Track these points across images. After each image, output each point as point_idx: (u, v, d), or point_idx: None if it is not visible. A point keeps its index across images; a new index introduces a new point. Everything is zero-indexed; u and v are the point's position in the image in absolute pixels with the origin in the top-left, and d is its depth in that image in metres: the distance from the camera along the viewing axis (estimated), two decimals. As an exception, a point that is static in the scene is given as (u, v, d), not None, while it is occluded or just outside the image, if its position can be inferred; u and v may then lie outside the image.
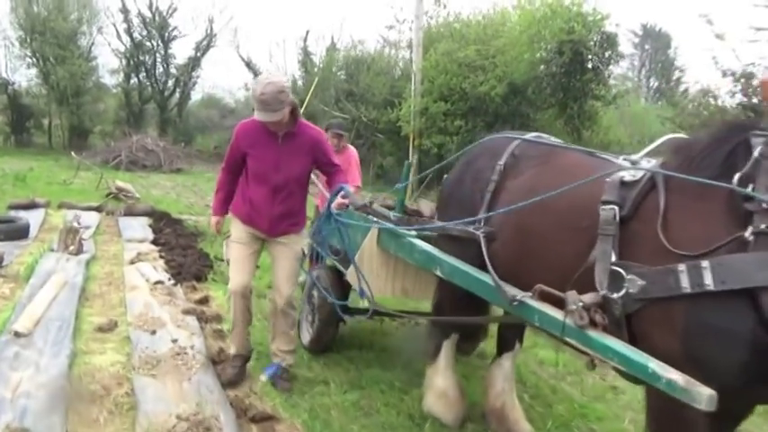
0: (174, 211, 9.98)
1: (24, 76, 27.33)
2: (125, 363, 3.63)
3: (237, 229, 3.50)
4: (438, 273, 2.91)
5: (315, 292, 4.22)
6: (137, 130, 25.44)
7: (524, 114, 16.81)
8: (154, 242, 7.52)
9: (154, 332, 4.11)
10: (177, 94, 33.10)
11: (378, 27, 50.04)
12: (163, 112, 32.45)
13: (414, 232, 3.27)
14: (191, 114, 35.10)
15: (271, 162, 3.30)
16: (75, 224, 7.99)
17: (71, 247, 6.41)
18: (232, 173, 3.49)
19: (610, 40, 13.80)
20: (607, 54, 13.97)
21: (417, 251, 3.09)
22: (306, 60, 30.12)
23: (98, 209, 9.48)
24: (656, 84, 40.12)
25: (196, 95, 35.86)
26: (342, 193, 3.38)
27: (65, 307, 4.51)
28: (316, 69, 29.12)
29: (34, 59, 26.04)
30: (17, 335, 3.87)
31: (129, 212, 9.29)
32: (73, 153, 16.03)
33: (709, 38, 9.82)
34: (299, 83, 30.10)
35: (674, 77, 39.07)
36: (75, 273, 5.48)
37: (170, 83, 32.87)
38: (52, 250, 6.40)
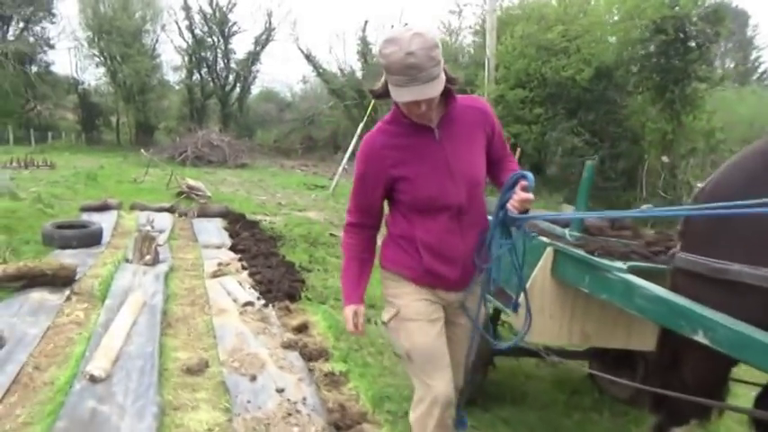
0: (247, 211, 9.34)
1: (93, 76, 27.83)
2: (225, 426, 2.84)
3: (407, 296, 2.08)
4: (697, 337, 1.93)
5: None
6: (200, 125, 25.40)
7: (611, 100, 15.45)
8: (232, 248, 6.83)
9: (254, 378, 3.32)
10: (238, 89, 33.08)
11: (439, 13, 48.80)
12: (224, 107, 32.50)
13: (621, 264, 2.34)
14: (250, 109, 35.07)
15: (440, 174, 1.97)
16: (149, 228, 7.42)
17: (147, 257, 5.78)
18: (369, 225, 2.12)
19: (717, 14, 12.29)
20: (713, 30, 12.45)
21: (645, 297, 2.13)
22: (365, 51, 29.40)
23: (170, 210, 8.93)
24: (733, 65, 37.36)
25: (256, 90, 35.81)
26: (522, 183, 1.91)
27: (146, 338, 3.79)
28: (375, 60, 28.38)
29: (102, 58, 26.33)
30: (93, 380, 3.15)
31: (203, 213, 8.68)
32: (142, 150, 15.78)
33: None
34: (358, 74, 29.42)
35: (752, 57, 36.28)
36: (155, 290, 4.80)
37: (230, 78, 32.88)
38: (128, 261, 5.78)
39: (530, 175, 1.88)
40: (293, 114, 33.81)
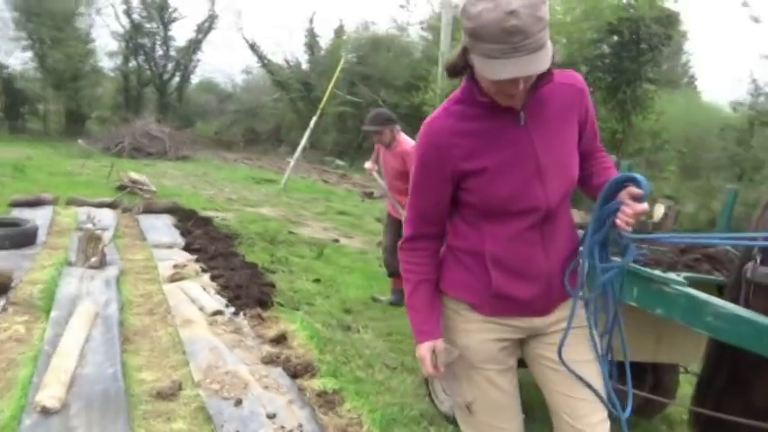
0: (196, 207, 8.73)
1: (19, 60, 25.84)
2: (214, 464, 2.43)
3: (472, 335, 1.65)
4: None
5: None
6: (136, 115, 24.16)
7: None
8: (186, 248, 6.29)
9: (239, 402, 2.90)
10: (177, 78, 31.74)
11: (388, 8, 48.52)
12: (162, 97, 31.13)
13: (676, 276, 2.11)
14: (190, 99, 33.79)
15: (523, 168, 1.55)
16: (90, 225, 6.77)
17: (93, 259, 5.19)
18: (434, 236, 1.67)
19: (670, 18, 12.55)
20: (665, 33, 12.72)
21: (719, 315, 1.88)
22: (312, 43, 28.78)
23: (112, 205, 8.22)
24: (664, 67, 38.92)
25: (196, 79, 34.50)
26: (633, 190, 1.48)
27: (104, 357, 3.30)
28: (322, 53, 27.82)
29: (29, 42, 24.51)
30: (46, 411, 2.66)
31: (149, 209, 8.04)
32: (80, 141, 14.72)
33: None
34: (304, 66, 28.83)
35: (682, 62, 37.98)
36: (107, 298, 4.27)
37: (169, 66, 31.47)
38: (70, 263, 5.17)
39: (642, 178, 1.47)
40: (235, 106, 32.78)
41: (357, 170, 21.54)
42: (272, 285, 4.89)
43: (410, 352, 3.89)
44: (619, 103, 13.41)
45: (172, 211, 8.11)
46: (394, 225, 4.81)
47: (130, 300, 4.44)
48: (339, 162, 22.89)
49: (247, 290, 4.58)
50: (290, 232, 7.82)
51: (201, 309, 4.16)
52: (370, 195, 13.41)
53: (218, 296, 4.52)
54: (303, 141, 12.99)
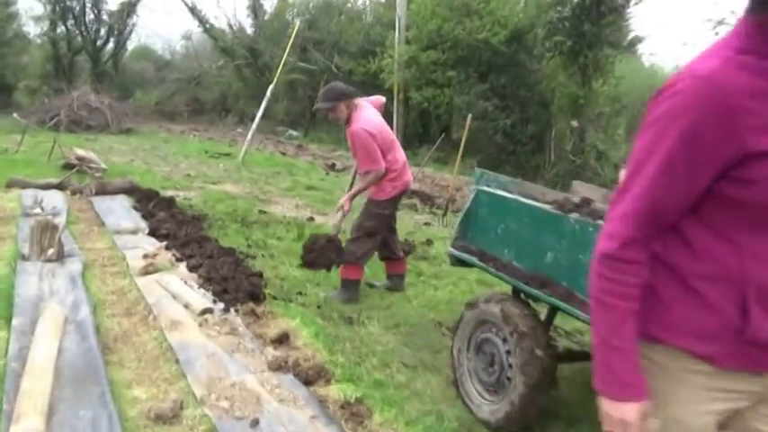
0: (154, 185, 8.08)
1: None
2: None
3: (690, 405, 1.23)
4: None
5: (501, 339, 2.77)
6: (69, 85, 22.57)
7: (522, 64, 15.43)
8: (153, 233, 5.73)
9: (256, 422, 2.51)
10: (111, 44, 29.86)
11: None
12: (96, 65, 29.26)
13: None
14: (126, 67, 31.97)
15: None
16: (39, 210, 6.12)
17: (50, 251, 4.60)
18: (652, 240, 1.21)
19: (633, -20, 12.47)
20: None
21: None
22: (256, 6, 27.52)
23: (60, 186, 7.47)
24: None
25: (132, 46, 32.61)
26: None
27: (84, 372, 2.83)
28: (267, 17, 26.74)
29: (-59, 3, 22.35)
30: (26, 451, 2.20)
31: (102, 190, 7.35)
32: (15, 115, 13.52)
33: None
34: (249, 31, 27.64)
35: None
36: (75, 298, 3.75)
37: (102, 32, 29.55)
38: (24, 257, 4.56)
39: None
40: (176, 74, 31.23)
41: (312, 140, 20.91)
42: (260, 275, 4.45)
43: (425, 346, 3.59)
44: (580, 67, 13.32)
45: (128, 191, 7.45)
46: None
47: (102, 299, 3.93)
48: (293, 132, 22.15)
49: (235, 281, 4.13)
50: (261, 211, 7.32)
51: (187, 306, 3.70)
52: (332, 167, 12.93)
53: (203, 290, 4.05)
54: (260, 112, 12.30)
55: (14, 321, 3.31)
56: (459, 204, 9.19)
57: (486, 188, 3.20)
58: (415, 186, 10.31)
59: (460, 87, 15.36)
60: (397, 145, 4.48)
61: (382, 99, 4.71)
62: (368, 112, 4.26)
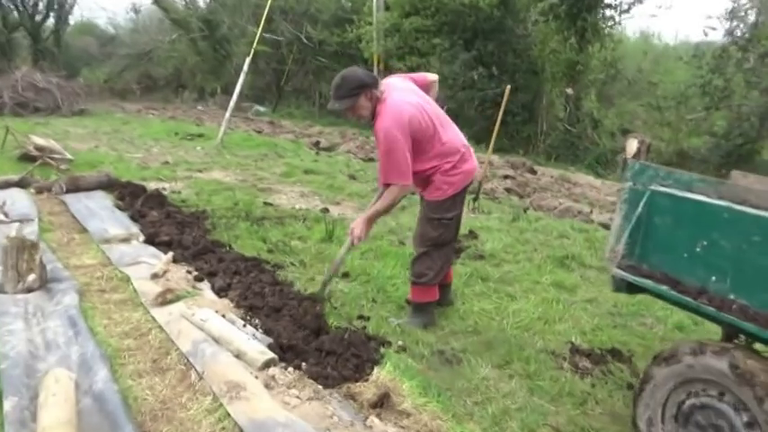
0: (133, 177, 6.94)
1: None
2: None
3: None
4: None
5: (732, 407, 1.96)
6: (9, 64, 20.63)
7: (510, 30, 14.55)
8: (151, 241, 4.68)
9: None
10: (51, 20, 27.64)
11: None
12: (36, 42, 27.02)
13: None
14: (69, 44, 29.75)
15: None
16: (2, 217, 5.01)
17: (30, 278, 3.54)
18: None
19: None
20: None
21: None
22: (211, -28, 25.76)
23: (21, 184, 6.26)
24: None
25: (74, 21, 30.30)
26: None
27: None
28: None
29: None
30: None
31: (75, 186, 6.17)
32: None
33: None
34: (201, 3, 26.02)
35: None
36: (81, 353, 2.74)
37: (41, 5, 27.26)
38: (-4, 289, 3.49)
39: None
40: (125, 49, 29.21)
41: (282, 116, 19.66)
42: (314, 299, 3.50)
43: (561, 395, 2.74)
44: (578, 31, 12.56)
45: (106, 186, 6.30)
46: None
47: (116, 347, 2.91)
48: (260, 108, 20.82)
49: (289, 312, 3.18)
50: (266, 203, 6.31)
51: (239, 356, 2.73)
52: (317, 145, 11.90)
53: (250, 327, 3.08)
54: (238, 88, 11.10)
55: (6, 405, 2.29)
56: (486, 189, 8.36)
57: (665, 189, 2.34)
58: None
59: (446, 56, 14.42)
60: (452, 128, 3.40)
61: (429, 77, 3.59)
62: (398, 99, 3.17)
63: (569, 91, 13.53)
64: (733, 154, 10.67)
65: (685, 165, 11.30)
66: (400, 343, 3.19)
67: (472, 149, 3.41)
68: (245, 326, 3.08)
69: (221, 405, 2.41)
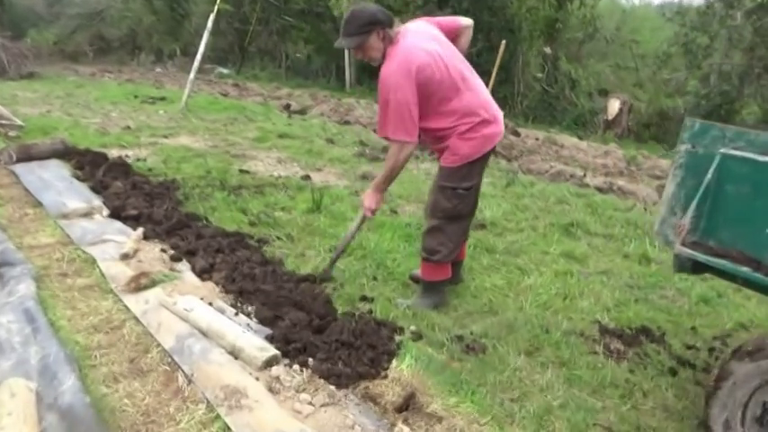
0: (90, 143, 6.31)
1: None
2: None
3: None
4: None
5: None
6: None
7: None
8: (116, 215, 4.17)
9: None
10: (-8, -27, 25.66)
11: None
12: (-24, -1, 25.09)
13: None
14: (14, 3, 27.86)
15: None
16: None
17: (-25, 263, 3.03)
18: None
19: None
20: None
21: None
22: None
23: (-37, 153, 5.59)
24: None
25: (20, -26, 28.32)
26: None
27: None
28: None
29: None
30: None
31: (27, 155, 5.53)
32: None
33: None
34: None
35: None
36: (43, 356, 2.27)
37: (-21, -44, 25.26)
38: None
39: None
40: (74, 9, 27.53)
41: (247, 78, 18.81)
42: (314, 279, 3.09)
43: (602, 386, 2.43)
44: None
45: (62, 154, 5.67)
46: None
47: (84, 345, 2.46)
48: (222, 70, 19.87)
49: (286, 298, 2.77)
50: (242, 171, 5.80)
51: (235, 353, 2.32)
52: (288, 108, 11.29)
53: (244, 317, 2.66)
54: (201, 48, 10.35)
55: (-51, 429, 1.84)
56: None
57: (741, 153, 1.99)
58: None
59: (420, 13, 13.81)
60: (477, 85, 2.95)
61: (459, 21, 3.14)
62: (412, 43, 2.75)
63: (547, 50, 13.15)
64: (713, 114, 10.50)
65: (664, 125, 11.14)
66: (413, 328, 2.82)
67: (501, 113, 2.99)
68: (236, 314, 2.65)
69: (218, 416, 2.01)
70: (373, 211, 3.03)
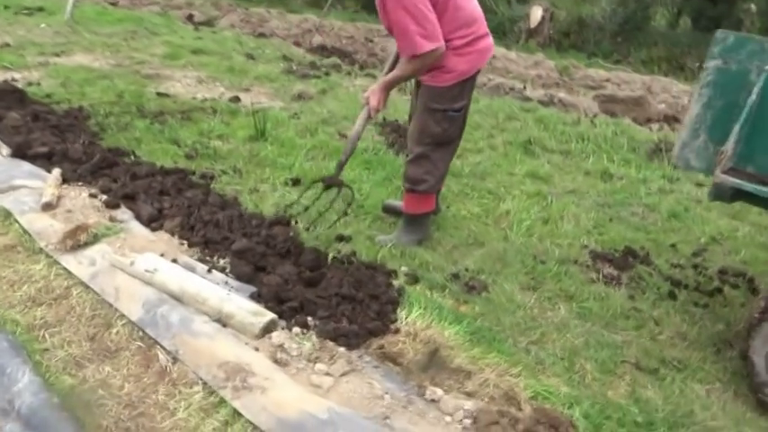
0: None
1: None
2: None
3: None
4: None
5: None
6: None
7: None
8: (21, 154, 3.52)
9: None
10: None
11: None
12: None
13: None
14: None
15: None
16: None
17: None
18: None
19: None
20: None
21: None
22: None
23: None
24: None
25: None
26: None
27: None
28: None
29: None
30: None
31: None
32: None
33: None
34: None
35: None
36: (-21, 346, 1.82)
37: None
38: None
39: None
40: None
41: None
42: (288, 222, 2.72)
43: (615, 317, 2.34)
44: None
45: (-69, 80, 4.72)
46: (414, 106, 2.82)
47: (28, 326, 2.01)
48: (105, -25, 17.58)
49: (269, 248, 2.41)
50: (160, 94, 5.12)
51: (223, 321, 1.97)
52: (192, 19, 10.19)
53: (216, 272, 2.28)
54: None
55: None
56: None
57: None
58: (318, 40, 8.36)
59: None
60: None
61: None
62: None
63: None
64: (630, 21, 10.64)
65: (583, 33, 11.16)
66: (405, 269, 2.58)
67: (484, 19, 2.64)
68: (209, 271, 2.27)
69: (222, 401, 1.70)
70: (378, 111, 2.64)
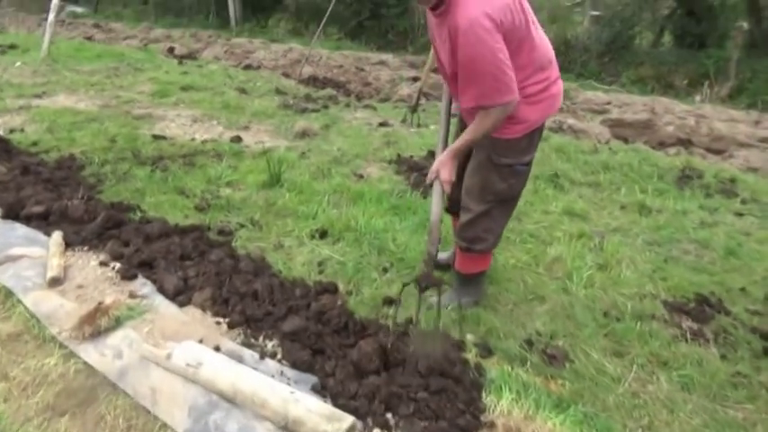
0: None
1: None
2: None
3: None
4: None
5: None
6: None
7: None
8: (14, 215, 3.16)
9: None
10: None
11: None
12: None
13: None
14: None
15: None
16: None
17: None
18: None
19: None
20: None
21: None
22: None
23: None
24: None
25: None
26: None
27: None
28: None
29: None
30: None
31: None
32: None
33: None
34: None
35: None
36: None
37: None
38: None
39: None
40: None
41: (108, 17, 16.50)
42: (335, 289, 2.41)
43: (704, 381, 2.06)
44: None
45: None
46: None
47: (50, 445, 1.66)
48: (76, 9, 17.27)
49: (317, 320, 2.09)
50: (157, 137, 4.78)
51: (289, 428, 1.65)
52: (173, 52, 9.88)
53: (270, 360, 1.95)
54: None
55: None
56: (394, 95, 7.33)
57: None
58: (308, 70, 8.11)
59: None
60: (537, 30, 2.17)
61: None
62: None
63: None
64: (616, 40, 10.62)
65: (569, 54, 11.11)
66: (471, 337, 2.28)
67: (556, 63, 2.33)
68: (261, 359, 1.94)
69: None
70: (450, 184, 2.27)
